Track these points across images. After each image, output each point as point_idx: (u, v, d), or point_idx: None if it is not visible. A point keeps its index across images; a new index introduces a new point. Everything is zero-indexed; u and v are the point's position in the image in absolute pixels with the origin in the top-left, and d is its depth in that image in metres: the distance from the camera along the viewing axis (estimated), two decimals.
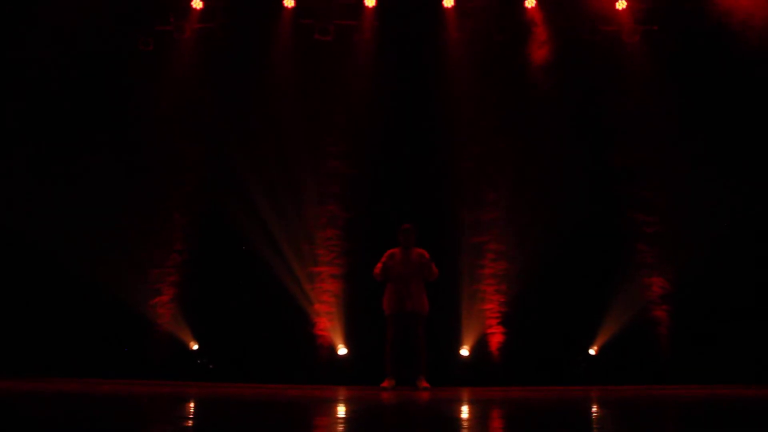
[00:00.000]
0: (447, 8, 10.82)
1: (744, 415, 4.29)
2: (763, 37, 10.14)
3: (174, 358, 10.45)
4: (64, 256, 10.09)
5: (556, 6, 10.83)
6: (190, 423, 3.57)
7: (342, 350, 10.45)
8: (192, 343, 10.56)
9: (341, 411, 4.49)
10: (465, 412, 4.53)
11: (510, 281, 10.52)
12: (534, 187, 10.50)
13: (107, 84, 10.71)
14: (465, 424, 3.74)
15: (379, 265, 8.22)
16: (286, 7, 10.86)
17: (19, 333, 9.98)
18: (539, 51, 10.78)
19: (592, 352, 10.32)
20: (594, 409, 4.71)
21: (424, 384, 8.00)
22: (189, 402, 5.05)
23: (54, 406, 4.35)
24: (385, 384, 8.00)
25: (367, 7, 10.81)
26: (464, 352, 10.38)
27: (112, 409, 4.35)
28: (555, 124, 10.48)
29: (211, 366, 10.52)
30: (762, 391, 7.23)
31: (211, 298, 10.51)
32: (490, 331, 10.50)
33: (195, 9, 10.84)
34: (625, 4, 10.64)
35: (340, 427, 3.46)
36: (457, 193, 10.69)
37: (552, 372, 9.95)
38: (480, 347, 10.42)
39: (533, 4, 10.77)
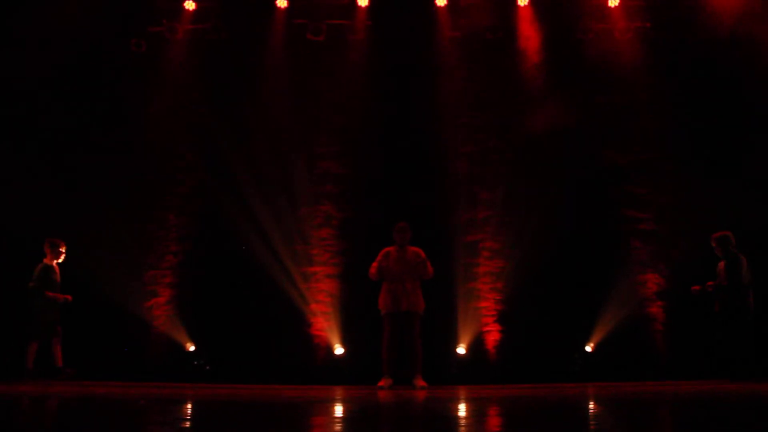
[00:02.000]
0: (440, 7, 10.83)
1: (739, 411, 4.30)
2: (756, 36, 10.17)
3: (170, 359, 10.45)
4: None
5: (549, 4, 10.85)
6: (188, 425, 3.57)
7: (338, 350, 10.46)
8: (188, 345, 10.55)
9: (338, 411, 4.50)
10: (462, 410, 4.53)
11: (505, 279, 10.54)
12: (528, 185, 10.53)
13: (100, 86, 10.70)
14: (462, 422, 3.75)
15: (375, 264, 8.21)
16: (279, 8, 10.86)
17: (15, 336, 9.95)
18: (532, 49, 10.80)
19: (588, 349, 10.34)
20: (590, 406, 4.72)
21: (421, 383, 8.00)
22: (186, 403, 5.05)
23: (50, 409, 4.34)
24: (381, 383, 8.00)
25: (360, 6, 10.82)
26: (461, 350, 10.39)
27: (109, 411, 4.35)
28: (549, 122, 10.50)
29: (207, 367, 10.51)
30: (757, 387, 7.26)
31: (207, 300, 10.50)
32: (486, 329, 10.52)
33: (187, 10, 10.84)
34: (618, 1, 10.66)
35: (338, 427, 3.47)
36: (452, 192, 10.70)
37: (548, 369, 9.97)
38: (476, 345, 10.44)
39: (526, 3, 10.78)
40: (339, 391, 7.18)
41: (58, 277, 9.01)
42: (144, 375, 9.84)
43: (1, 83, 10.18)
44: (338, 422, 3.73)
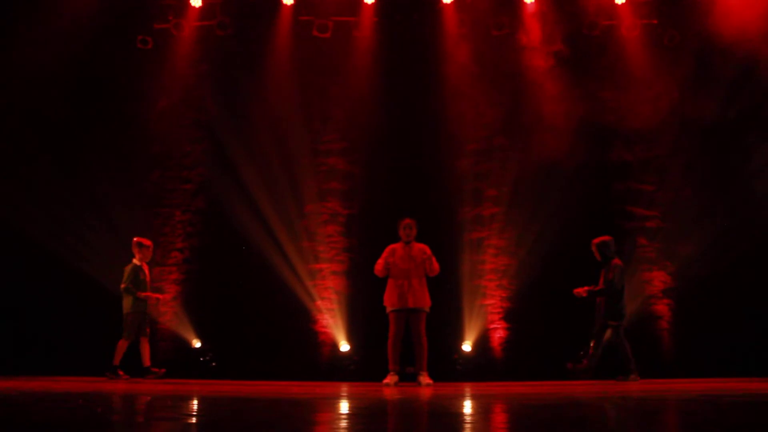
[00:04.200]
0: (446, 4, 10.81)
1: (746, 410, 4.29)
2: (762, 33, 10.13)
3: (176, 356, 10.47)
4: (64, 255, 10.12)
5: (555, 1, 10.83)
6: (194, 420, 3.58)
7: (344, 347, 10.47)
8: (194, 341, 10.57)
9: (344, 407, 4.50)
10: (467, 407, 4.53)
11: (511, 276, 10.53)
12: (534, 183, 10.51)
13: (107, 82, 10.72)
14: (467, 419, 3.74)
15: (381, 260, 8.20)
16: (285, 4, 10.85)
17: (20, 332, 10.01)
18: (538, 46, 10.77)
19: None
20: (597, 404, 4.71)
21: (427, 380, 8.00)
22: (192, 399, 5.06)
23: (56, 405, 4.35)
24: (387, 380, 8.00)
25: (366, 3, 10.80)
26: (466, 347, 10.39)
27: (117, 407, 4.36)
28: (555, 119, 10.47)
29: (213, 364, 10.53)
30: (764, 385, 7.24)
31: (212, 296, 10.52)
32: (492, 326, 10.52)
33: (193, 7, 10.84)
34: None
35: (343, 424, 3.47)
36: (458, 189, 10.69)
37: (554, 366, 9.95)
38: (482, 342, 10.44)
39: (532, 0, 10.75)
40: (344, 388, 7.18)
41: (148, 276, 9.12)
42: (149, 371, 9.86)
43: (6, 80, 10.21)
44: (343, 419, 3.73)
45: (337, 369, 10.34)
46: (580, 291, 8.81)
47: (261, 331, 10.26)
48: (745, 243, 10.01)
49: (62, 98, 10.44)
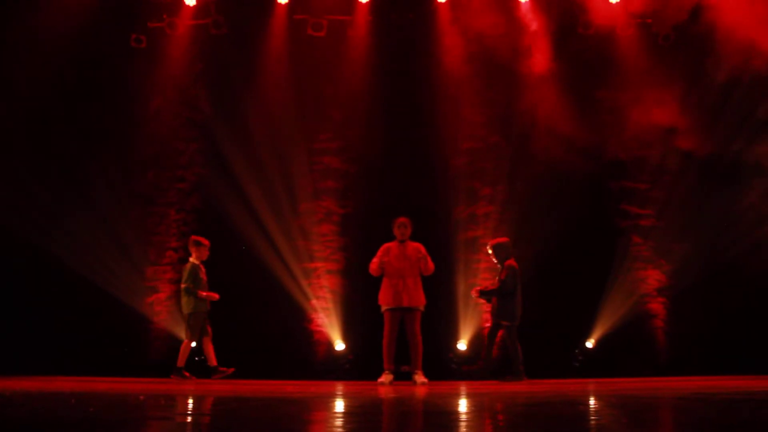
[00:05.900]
0: (440, 3, 10.81)
1: (741, 407, 4.30)
2: (755, 30, 10.16)
3: (171, 355, 10.44)
4: (60, 254, 10.09)
5: (550, 0, 10.83)
6: (188, 419, 3.57)
7: (339, 346, 10.46)
8: None
9: (339, 406, 4.50)
10: (462, 406, 4.54)
11: None
12: (528, 181, 10.51)
13: (101, 82, 10.70)
14: (462, 418, 3.75)
15: (376, 259, 8.20)
16: (280, 3, 10.84)
17: (15, 331, 9.97)
18: (533, 45, 10.78)
19: (589, 345, 10.34)
20: (591, 403, 4.72)
21: (422, 378, 8.00)
22: (187, 399, 5.05)
23: (51, 404, 4.34)
24: (382, 379, 8.00)
25: (360, 2, 10.80)
26: (461, 346, 10.39)
27: (110, 406, 4.35)
28: (549, 118, 10.48)
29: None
30: (756, 382, 7.26)
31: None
32: (487, 324, 10.52)
33: (187, 6, 10.81)
34: None
35: (338, 422, 3.47)
36: (453, 188, 10.70)
37: (549, 365, 9.97)
38: (477, 341, 10.44)
39: None
40: (339, 387, 7.18)
41: (204, 275, 8.92)
42: (145, 371, 9.84)
43: (1, 79, 10.17)
44: (339, 418, 3.73)
45: (332, 368, 10.33)
46: (473, 291, 8.82)
47: (256, 330, 10.24)
48: (739, 241, 10.05)
49: (56, 97, 10.41)
